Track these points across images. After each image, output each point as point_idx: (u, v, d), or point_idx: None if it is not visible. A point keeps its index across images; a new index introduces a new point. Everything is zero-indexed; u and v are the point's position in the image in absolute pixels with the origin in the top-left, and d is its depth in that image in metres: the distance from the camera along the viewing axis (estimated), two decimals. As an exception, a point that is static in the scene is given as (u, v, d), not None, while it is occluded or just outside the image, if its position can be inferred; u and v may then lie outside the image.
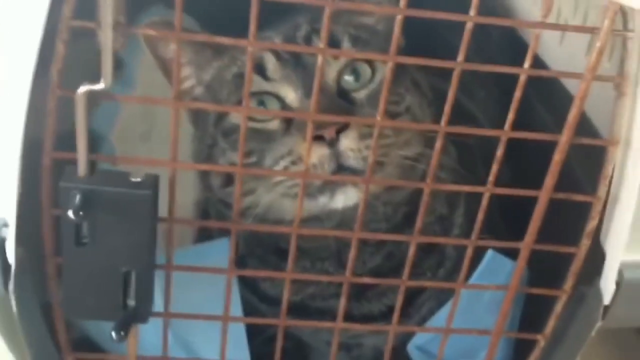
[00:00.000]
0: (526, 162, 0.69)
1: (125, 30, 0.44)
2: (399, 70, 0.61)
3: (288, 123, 0.59)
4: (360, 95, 0.60)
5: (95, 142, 0.45)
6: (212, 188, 0.65)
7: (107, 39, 0.43)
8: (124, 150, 0.81)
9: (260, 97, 0.60)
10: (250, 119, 0.59)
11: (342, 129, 0.55)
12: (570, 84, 0.73)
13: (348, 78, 0.60)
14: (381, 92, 0.51)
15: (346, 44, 0.61)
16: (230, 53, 0.64)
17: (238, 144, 0.49)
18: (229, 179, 0.62)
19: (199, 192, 0.73)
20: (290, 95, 0.59)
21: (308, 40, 0.61)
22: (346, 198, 0.57)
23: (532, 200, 0.51)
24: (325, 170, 0.55)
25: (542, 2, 0.45)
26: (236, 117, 0.61)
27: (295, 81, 0.59)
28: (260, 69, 0.60)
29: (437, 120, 0.49)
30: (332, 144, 0.55)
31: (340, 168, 0.56)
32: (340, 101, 0.58)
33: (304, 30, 0.62)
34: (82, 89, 0.44)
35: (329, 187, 0.57)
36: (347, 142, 0.55)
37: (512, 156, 0.75)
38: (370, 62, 0.61)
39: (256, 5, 0.44)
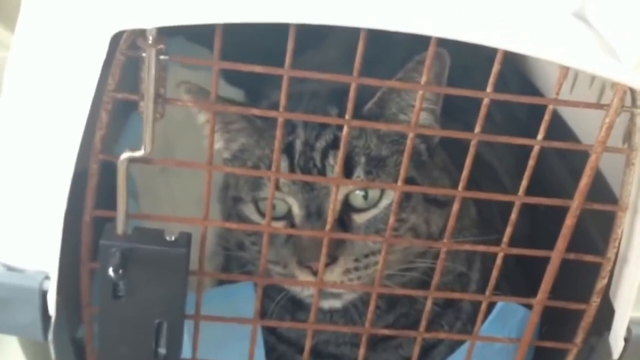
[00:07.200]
0: (542, 215, 0.71)
1: (166, 102, 0.48)
2: (406, 196, 0.60)
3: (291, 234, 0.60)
4: (362, 219, 0.60)
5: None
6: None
7: (149, 110, 0.47)
8: (144, 182, 0.86)
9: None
10: (260, 213, 0.62)
11: (329, 262, 0.56)
12: (582, 133, 0.76)
13: (359, 192, 0.60)
14: (381, 220, 0.58)
15: (359, 170, 0.59)
16: (257, 134, 0.63)
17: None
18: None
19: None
20: (295, 209, 0.60)
21: (325, 154, 0.59)
22: (331, 304, 0.62)
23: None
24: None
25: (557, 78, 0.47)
26: (248, 210, 0.63)
27: (300, 200, 0.59)
28: None
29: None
30: (317, 274, 0.56)
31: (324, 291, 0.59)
32: (337, 228, 0.57)
33: (324, 141, 0.60)
34: (124, 155, 0.48)
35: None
36: (331, 277, 0.57)
37: (529, 209, 0.76)
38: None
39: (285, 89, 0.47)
